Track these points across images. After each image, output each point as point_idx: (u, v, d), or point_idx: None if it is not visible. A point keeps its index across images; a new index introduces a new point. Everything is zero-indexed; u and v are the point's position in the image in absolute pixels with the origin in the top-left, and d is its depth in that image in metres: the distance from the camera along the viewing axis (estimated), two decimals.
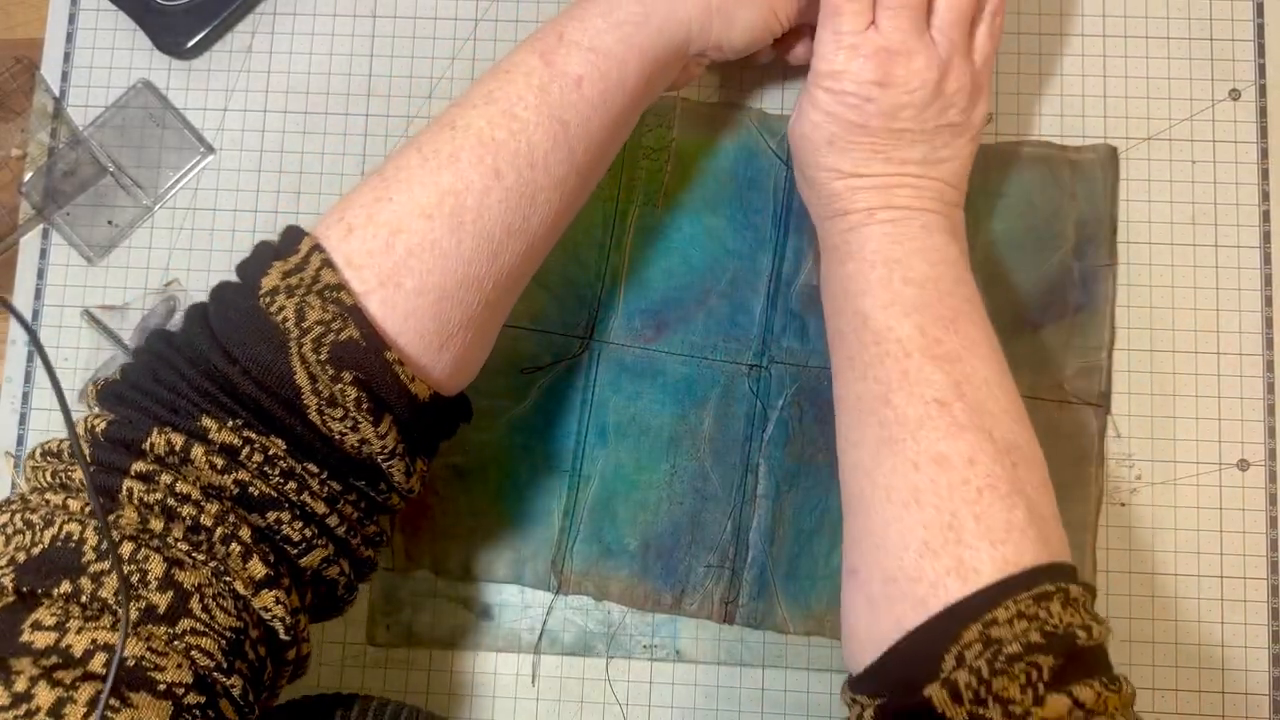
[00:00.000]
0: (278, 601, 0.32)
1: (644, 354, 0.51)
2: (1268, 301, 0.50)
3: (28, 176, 0.54)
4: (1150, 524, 0.49)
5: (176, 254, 0.53)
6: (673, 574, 0.49)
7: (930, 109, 0.41)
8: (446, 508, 0.50)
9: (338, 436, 0.34)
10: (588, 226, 0.51)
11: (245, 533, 0.32)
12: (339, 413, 0.34)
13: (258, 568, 0.32)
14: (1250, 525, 0.49)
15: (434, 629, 0.50)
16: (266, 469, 0.33)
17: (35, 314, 0.53)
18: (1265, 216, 0.51)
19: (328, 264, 0.35)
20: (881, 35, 0.40)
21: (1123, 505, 0.49)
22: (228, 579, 0.32)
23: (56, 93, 0.54)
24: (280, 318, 0.33)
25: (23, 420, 0.52)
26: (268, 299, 0.34)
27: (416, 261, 0.35)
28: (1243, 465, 0.49)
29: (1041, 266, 0.50)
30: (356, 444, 0.35)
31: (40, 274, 0.53)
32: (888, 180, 0.42)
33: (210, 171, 0.54)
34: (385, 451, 0.36)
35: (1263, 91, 0.52)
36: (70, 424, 0.29)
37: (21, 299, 0.53)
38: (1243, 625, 0.48)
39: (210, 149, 0.54)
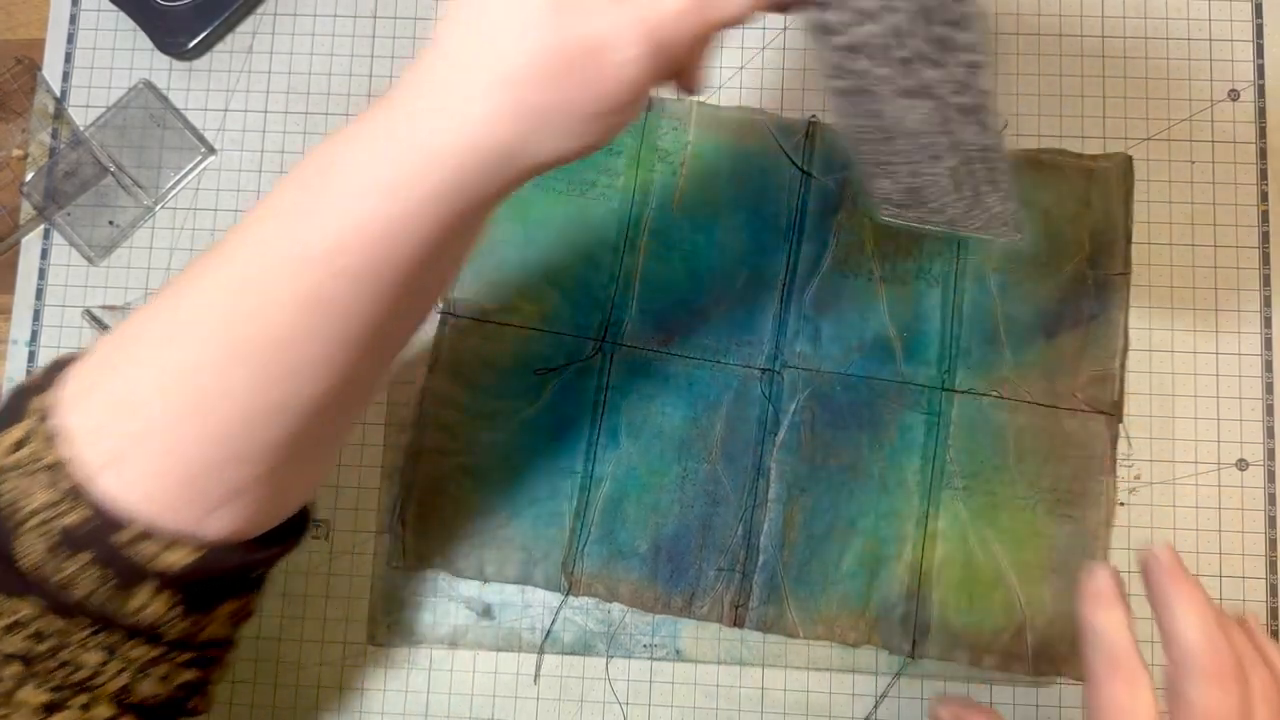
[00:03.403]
0: None
1: (657, 357, 0.51)
2: (1267, 301, 0.50)
3: (29, 177, 0.54)
4: (1150, 524, 0.49)
5: (177, 254, 0.53)
6: (683, 577, 0.49)
7: None
8: (457, 508, 0.50)
9: (95, 605, 0.32)
10: (601, 229, 0.51)
11: None
12: (85, 590, 0.31)
13: None
14: (1250, 525, 0.49)
15: (434, 628, 0.50)
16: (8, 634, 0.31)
17: (36, 314, 0.53)
18: (1265, 217, 0.51)
19: (54, 437, 0.31)
20: None
21: (1122, 505, 0.49)
22: None
23: (57, 93, 0.54)
24: (5, 500, 0.31)
25: None
26: None
27: (155, 441, 0.31)
28: (1242, 465, 0.49)
29: (1057, 274, 0.50)
30: (114, 612, 0.32)
31: (41, 274, 0.53)
32: None
33: (211, 172, 0.54)
34: (155, 617, 0.32)
35: (1262, 92, 0.52)
36: None
37: (22, 299, 0.53)
38: None
39: (211, 149, 0.54)
